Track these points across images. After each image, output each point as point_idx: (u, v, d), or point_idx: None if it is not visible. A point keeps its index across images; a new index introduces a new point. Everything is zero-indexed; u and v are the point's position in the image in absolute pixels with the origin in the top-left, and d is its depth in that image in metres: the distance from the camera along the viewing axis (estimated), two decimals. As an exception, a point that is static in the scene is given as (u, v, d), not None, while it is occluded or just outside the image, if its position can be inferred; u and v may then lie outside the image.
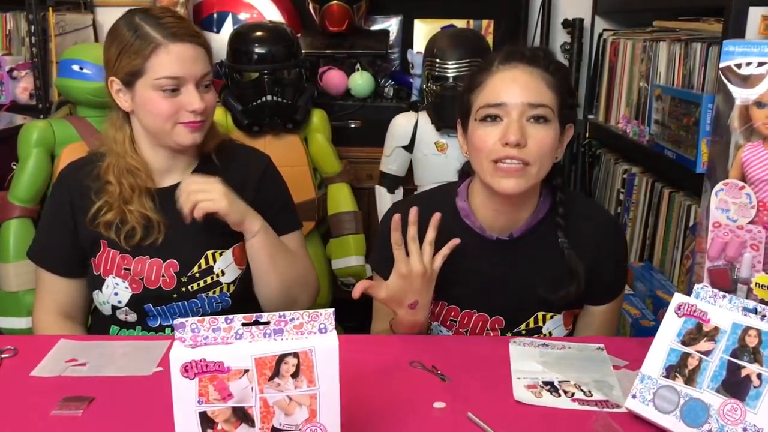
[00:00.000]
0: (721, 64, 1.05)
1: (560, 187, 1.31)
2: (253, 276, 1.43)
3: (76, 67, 2.21)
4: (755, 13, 1.62)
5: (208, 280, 1.40)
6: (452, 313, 1.35)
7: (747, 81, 1.02)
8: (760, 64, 1.00)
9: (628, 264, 1.45)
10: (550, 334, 1.35)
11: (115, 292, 1.38)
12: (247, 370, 0.86)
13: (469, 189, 1.34)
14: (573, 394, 1.08)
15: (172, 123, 1.32)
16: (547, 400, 1.07)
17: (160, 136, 1.35)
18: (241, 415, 0.86)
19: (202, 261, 1.39)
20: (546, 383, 1.11)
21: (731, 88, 1.04)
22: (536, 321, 1.33)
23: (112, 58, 1.32)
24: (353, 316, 2.78)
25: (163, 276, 1.38)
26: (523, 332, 1.33)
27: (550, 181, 1.30)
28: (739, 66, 1.04)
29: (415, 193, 2.39)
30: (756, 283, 1.02)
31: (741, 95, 1.03)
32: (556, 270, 1.28)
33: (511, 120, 1.18)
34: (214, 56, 2.72)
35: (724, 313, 0.97)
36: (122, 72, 1.31)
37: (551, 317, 1.33)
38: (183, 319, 0.86)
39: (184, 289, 1.39)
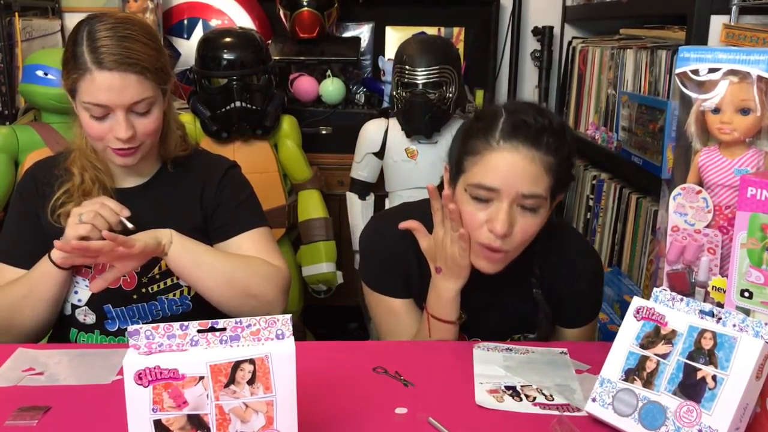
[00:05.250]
0: (677, 70, 1.06)
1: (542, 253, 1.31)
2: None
3: (40, 73, 2.18)
4: (716, 22, 1.65)
5: (168, 282, 1.39)
6: None
7: (702, 87, 1.03)
8: (714, 70, 1.02)
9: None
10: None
11: (75, 290, 1.37)
12: (202, 377, 0.85)
13: None
14: (535, 399, 1.09)
15: (103, 145, 1.32)
16: (509, 404, 1.07)
17: (101, 155, 1.37)
18: (197, 422, 0.85)
19: (163, 263, 1.37)
20: (508, 387, 1.11)
21: (687, 93, 1.05)
22: (512, 341, 1.36)
23: (62, 74, 1.34)
24: (324, 323, 2.79)
25: (123, 275, 1.36)
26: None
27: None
28: (695, 72, 1.05)
29: (391, 204, 2.41)
30: (713, 287, 1.03)
31: (697, 101, 1.04)
32: (531, 303, 1.33)
33: (501, 208, 1.16)
34: (185, 63, 2.75)
35: (681, 316, 0.98)
36: (66, 87, 1.33)
37: (527, 337, 1.37)
38: (137, 326, 0.85)
39: (144, 290, 1.38)
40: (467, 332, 1.35)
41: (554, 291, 1.33)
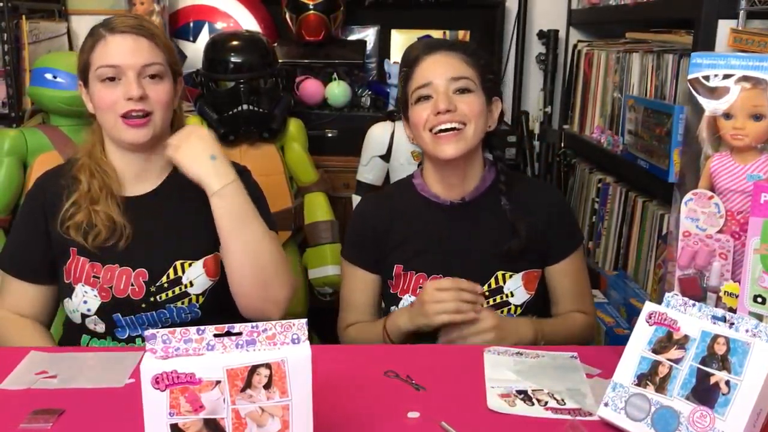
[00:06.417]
0: (690, 76, 1.06)
1: (501, 158, 1.48)
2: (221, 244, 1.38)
3: (49, 76, 2.19)
4: (724, 26, 1.65)
5: (176, 290, 1.38)
6: (420, 281, 1.45)
7: (714, 93, 1.04)
8: (727, 77, 1.02)
9: (580, 231, 1.65)
10: (512, 294, 1.44)
11: (84, 300, 1.37)
12: (218, 382, 0.85)
13: (423, 168, 1.52)
14: (546, 403, 1.09)
15: (114, 116, 1.33)
16: (521, 408, 1.07)
17: (111, 133, 1.37)
18: (213, 426, 0.86)
19: (171, 271, 1.38)
20: (519, 392, 1.12)
21: (699, 99, 1.06)
22: (497, 281, 1.43)
23: (77, 60, 1.39)
24: (329, 326, 2.79)
25: (132, 285, 1.37)
26: (487, 293, 1.43)
27: (492, 152, 1.49)
28: (706, 78, 1.06)
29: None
30: (724, 292, 1.04)
31: (709, 106, 1.05)
32: (507, 231, 1.43)
33: (439, 94, 1.36)
34: (191, 65, 2.76)
35: (693, 321, 0.98)
36: (80, 70, 1.38)
37: (510, 276, 1.44)
38: (154, 330, 0.86)
39: (152, 298, 1.38)
40: (452, 273, 1.39)
41: (531, 227, 1.42)
